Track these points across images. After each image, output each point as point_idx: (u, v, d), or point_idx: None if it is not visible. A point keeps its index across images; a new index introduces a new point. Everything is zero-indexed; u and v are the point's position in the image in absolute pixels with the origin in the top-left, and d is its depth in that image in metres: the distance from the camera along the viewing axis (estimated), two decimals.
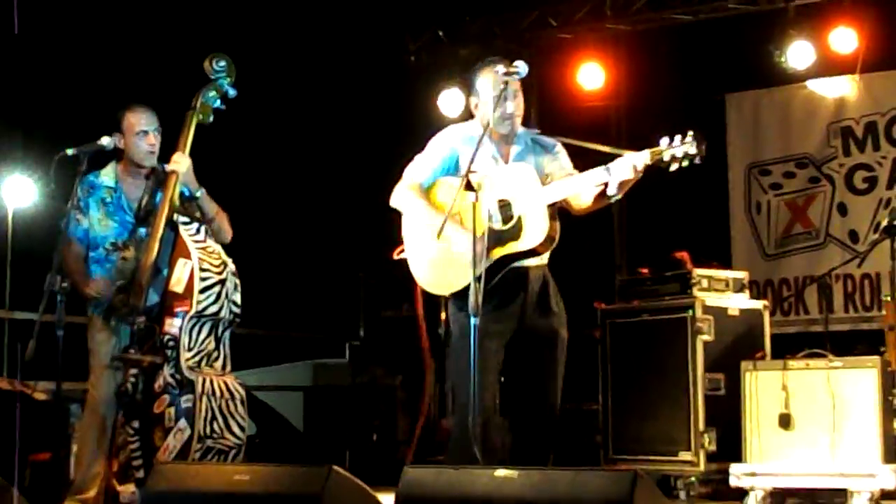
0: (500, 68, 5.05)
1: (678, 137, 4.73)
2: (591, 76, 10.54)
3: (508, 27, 10.65)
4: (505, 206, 5.09)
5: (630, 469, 3.53)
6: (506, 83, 5.03)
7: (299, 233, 10.80)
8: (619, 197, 4.92)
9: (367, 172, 10.43)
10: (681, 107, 10.20)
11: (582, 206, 5.11)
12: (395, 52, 10.96)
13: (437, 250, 5.11)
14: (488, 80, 5.22)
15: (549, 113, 10.16)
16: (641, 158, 4.72)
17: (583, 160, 5.28)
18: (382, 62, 10.91)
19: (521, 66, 5.04)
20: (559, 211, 5.11)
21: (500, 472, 3.69)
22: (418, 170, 5.36)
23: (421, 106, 10.62)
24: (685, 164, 4.70)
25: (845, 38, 9.77)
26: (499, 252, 5.04)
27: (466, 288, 4.87)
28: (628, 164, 4.75)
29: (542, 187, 5.03)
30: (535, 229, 4.99)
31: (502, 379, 5.23)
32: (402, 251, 5.30)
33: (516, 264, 5.09)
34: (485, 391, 5.02)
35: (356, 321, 10.35)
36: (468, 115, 5.53)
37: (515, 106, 5.21)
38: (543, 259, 5.20)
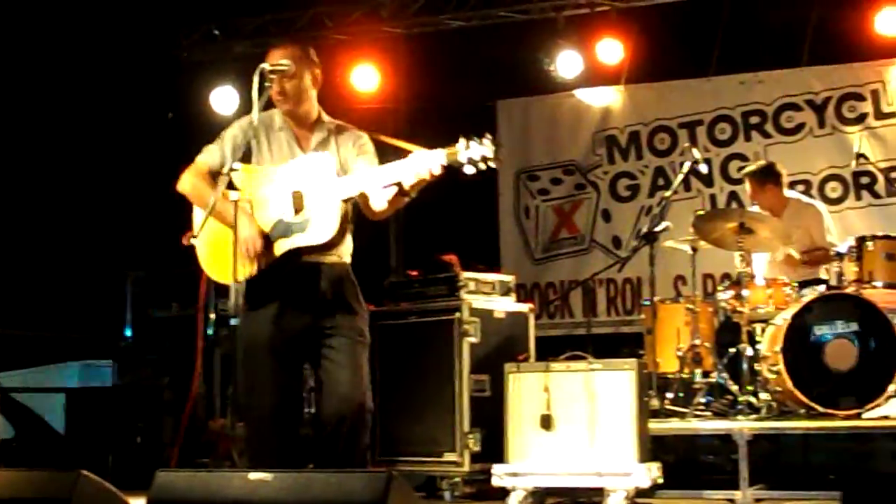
0: (267, 66, 4.96)
1: (476, 139, 4.69)
2: (364, 78, 10.56)
3: (283, 26, 10.57)
4: (297, 197, 4.91)
5: (385, 470, 3.51)
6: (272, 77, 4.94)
7: (66, 232, 10.46)
8: (414, 196, 4.84)
9: (138, 169, 10.21)
10: (454, 111, 10.30)
11: (378, 209, 4.90)
12: (168, 47, 10.74)
13: (223, 238, 5.01)
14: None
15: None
16: (437, 158, 4.66)
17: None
18: (155, 58, 10.67)
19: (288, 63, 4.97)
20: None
21: (255, 475, 3.63)
22: (208, 155, 5.20)
23: (195, 102, 10.44)
24: (482, 167, 4.65)
25: (612, 50, 10.08)
26: (285, 244, 4.89)
27: (251, 278, 4.80)
28: (424, 162, 4.66)
29: (337, 179, 4.89)
30: (324, 223, 4.85)
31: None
32: (192, 237, 5.05)
33: (310, 259, 4.95)
34: (258, 392, 4.93)
35: (123, 321, 10.09)
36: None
37: (282, 92, 5.05)
38: (342, 256, 5.05)
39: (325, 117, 5.21)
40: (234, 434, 6.14)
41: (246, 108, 4.97)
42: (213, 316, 8.57)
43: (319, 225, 4.86)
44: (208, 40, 10.82)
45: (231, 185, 4.78)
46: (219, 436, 8.08)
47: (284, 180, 4.95)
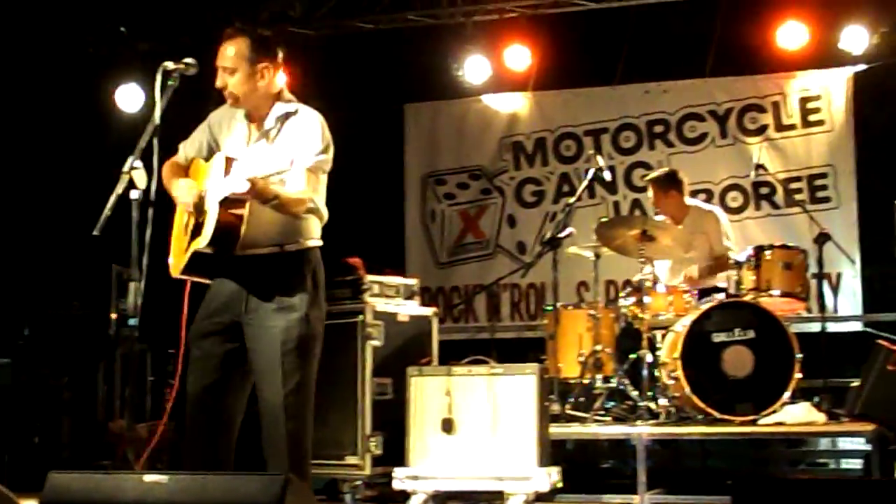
0: (170, 64, 4.90)
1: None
2: None
3: (190, 24, 10.45)
4: (201, 198, 4.87)
5: (281, 474, 3.50)
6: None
7: None
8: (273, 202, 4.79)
9: (43, 165, 10.04)
10: (362, 115, 10.29)
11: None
12: (74, 45, 10.59)
13: (175, 231, 4.96)
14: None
15: None
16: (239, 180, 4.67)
17: None
18: (62, 55, 10.50)
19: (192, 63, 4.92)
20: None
21: (150, 477, 3.59)
22: (184, 145, 5.14)
23: (102, 99, 10.32)
24: None
25: (520, 56, 10.15)
26: (193, 246, 4.84)
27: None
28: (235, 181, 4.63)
29: (222, 179, 4.76)
30: (208, 226, 4.77)
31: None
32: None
33: (244, 252, 4.84)
34: (189, 393, 4.91)
35: (21, 319, 9.92)
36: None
37: (225, 88, 4.98)
38: (285, 245, 4.92)
39: (284, 106, 5.06)
40: (131, 435, 6.05)
41: (152, 107, 4.90)
42: (114, 316, 8.48)
43: (207, 228, 4.80)
44: (115, 38, 10.67)
45: (132, 185, 4.70)
46: (119, 437, 7.98)
47: (207, 179, 4.92)
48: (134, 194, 4.66)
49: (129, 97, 10.24)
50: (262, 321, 4.88)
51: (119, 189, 4.63)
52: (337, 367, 7.21)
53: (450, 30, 10.29)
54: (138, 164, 4.72)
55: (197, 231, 4.86)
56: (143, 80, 10.05)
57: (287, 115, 5.01)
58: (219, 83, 4.97)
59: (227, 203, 4.76)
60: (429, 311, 7.63)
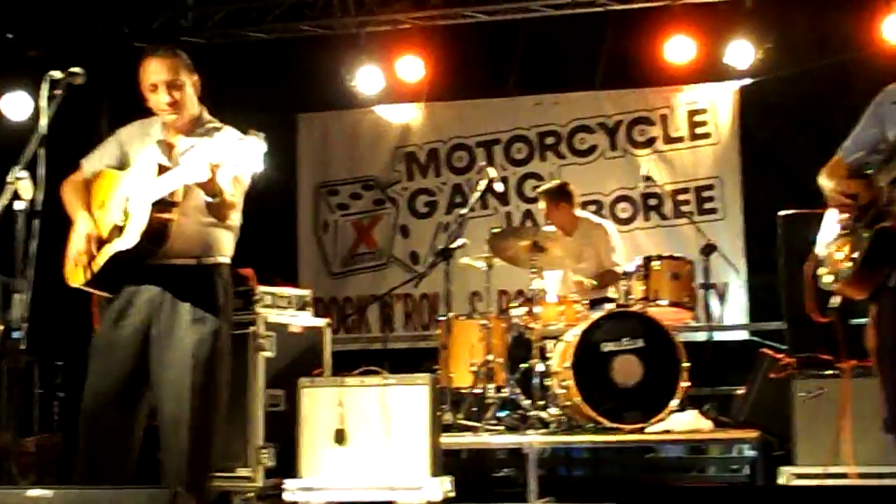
0: (57, 73, 4.84)
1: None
2: None
3: (80, 32, 10.31)
4: (124, 202, 4.80)
5: (168, 487, 3.47)
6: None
7: None
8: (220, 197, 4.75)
9: None
10: (255, 124, 10.20)
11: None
12: None
13: (77, 242, 4.89)
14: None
15: (121, 122, 9.91)
16: (200, 164, 4.59)
17: None
18: None
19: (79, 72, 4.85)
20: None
21: (34, 492, 3.53)
22: (87, 159, 5.06)
23: None
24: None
25: (412, 67, 10.18)
26: (109, 250, 4.78)
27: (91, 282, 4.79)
28: (189, 170, 4.60)
29: (154, 181, 4.70)
30: (135, 227, 4.71)
31: None
32: None
33: (155, 262, 4.80)
34: (86, 405, 4.81)
35: None
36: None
37: (173, 103, 4.93)
38: (202, 258, 4.89)
39: (206, 121, 5.05)
40: (16, 449, 5.94)
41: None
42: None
43: (132, 229, 4.75)
44: (2, 44, 10.46)
45: (17, 195, 4.63)
46: (3, 451, 7.81)
47: (125, 185, 4.85)
48: (19, 205, 4.58)
49: (16, 105, 10.05)
50: (173, 333, 4.82)
51: (3, 199, 4.56)
52: (229, 379, 7.16)
53: (343, 40, 10.28)
54: (23, 174, 4.65)
55: (114, 235, 4.80)
56: (31, 88, 9.87)
57: (213, 130, 4.98)
58: (168, 99, 4.89)
59: (160, 205, 4.71)
60: (321, 321, 7.61)
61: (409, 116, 10.95)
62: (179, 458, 4.74)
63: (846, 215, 4.48)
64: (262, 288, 7.32)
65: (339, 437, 6.51)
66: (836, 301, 4.62)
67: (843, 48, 10.25)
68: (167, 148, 4.94)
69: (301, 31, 10.32)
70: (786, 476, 6.23)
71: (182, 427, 4.75)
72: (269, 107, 10.67)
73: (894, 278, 4.27)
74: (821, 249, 4.64)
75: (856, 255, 4.31)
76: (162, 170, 4.76)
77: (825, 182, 4.67)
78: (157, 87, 4.90)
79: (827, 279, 4.54)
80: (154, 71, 4.91)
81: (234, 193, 4.81)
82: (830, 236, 4.59)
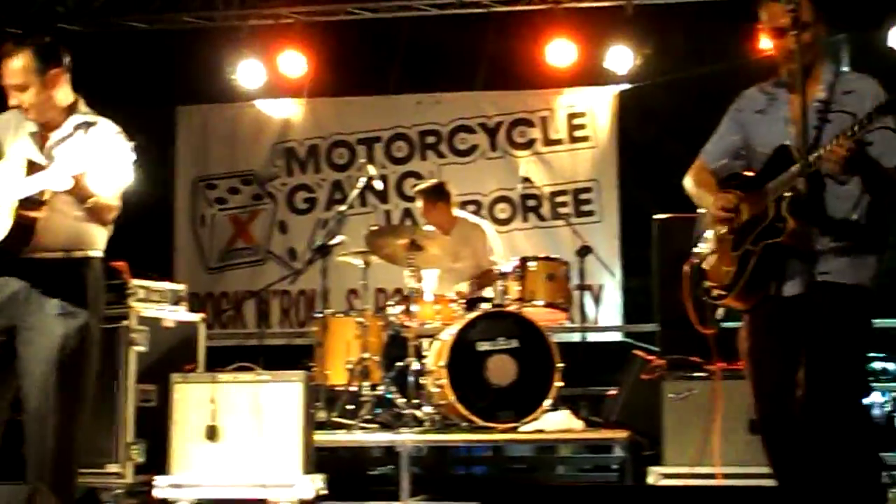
0: None
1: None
2: None
3: None
4: None
5: (27, 483, 3.39)
6: None
7: None
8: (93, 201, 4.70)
9: None
10: (133, 116, 10.04)
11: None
12: None
13: None
14: None
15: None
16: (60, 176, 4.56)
17: None
18: None
19: None
20: None
21: None
22: None
23: None
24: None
25: (294, 62, 10.13)
26: None
27: None
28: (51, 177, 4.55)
29: (22, 179, 4.64)
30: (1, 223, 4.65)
31: None
32: None
33: (32, 257, 4.72)
34: None
35: None
36: None
37: (21, 105, 4.83)
38: (71, 251, 4.81)
39: (81, 116, 4.94)
40: None
41: None
42: None
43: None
44: None
45: None
46: None
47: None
48: None
49: None
50: (40, 326, 4.75)
51: None
52: (101, 374, 7.04)
53: (225, 33, 10.20)
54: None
55: None
56: None
57: (87, 125, 4.90)
58: (12, 101, 4.81)
59: (27, 203, 4.64)
60: (196, 316, 7.53)
61: (289, 112, 10.89)
62: (43, 454, 4.67)
63: (725, 227, 4.55)
64: (135, 282, 7.22)
65: (211, 433, 6.45)
66: (720, 313, 4.70)
67: (719, 57, 10.45)
68: (40, 140, 4.89)
69: (183, 22, 10.19)
70: (654, 476, 6.32)
71: (46, 422, 4.68)
72: (148, 98, 10.53)
73: (774, 287, 4.37)
74: (701, 255, 4.72)
75: (745, 269, 4.38)
76: (32, 166, 4.70)
77: (694, 189, 4.75)
78: (7, 89, 4.84)
79: (714, 292, 4.60)
80: (3, 73, 4.84)
81: (110, 194, 4.74)
82: (710, 245, 4.67)
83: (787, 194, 4.24)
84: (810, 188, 4.18)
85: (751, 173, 4.53)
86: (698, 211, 4.81)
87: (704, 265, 4.70)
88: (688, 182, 4.77)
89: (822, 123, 4.31)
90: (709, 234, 4.70)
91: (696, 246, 4.80)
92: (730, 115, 4.70)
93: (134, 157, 4.72)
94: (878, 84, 4.41)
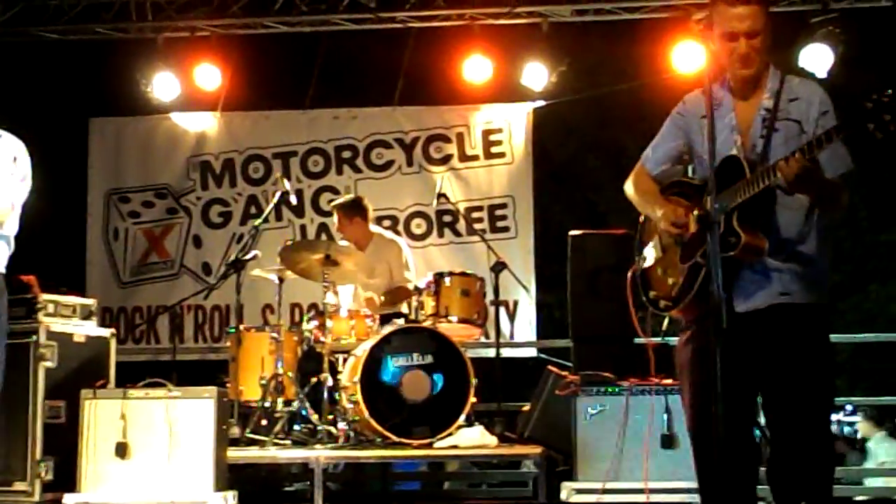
0: None
1: None
2: None
3: None
4: None
5: None
6: None
7: None
8: None
9: None
10: (46, 127, 9.94)
11: None
12: None
13: None
14: None
15: None
16: None
17: None
18: None
19: None
20: None
21: None
22: None
23: None
24: None
25: (210, 75, 10.05)
26: None
27: None
28: None
29: None
30: None
31: None
32: None
33: None
34: None
35: None
36: None
37: None
38: None
39: None
40: None
41: None
42: None
43: None
44: None
45: None
46: None
47: None
48: None
49: None
50: None
51: None
52: (7, 390, 6.92)
53: (139, 45, 10.09)
54: None
55: None
56: None
57: None
58: None
59: None
60: (106, 331, 7.44)
61: (205, 125, 10.82)
62: None
63: (670, 238, 4.48)
64: (45, 296, 7.12)
65: (121, 450, 6.39)
66: (664, 323, 4.68)
67: (634, 74, 10.58)
68: None
69: (96, 33, 10.07)
70: (567, 491, 6.36)
71: None
72: (60, 109, 10.42)
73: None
74: (648, 263, 4.64)
75: (693, 282, 4.28)
76: None
77: (636, 196, 4.66)
78: None
79: (661, 303, 4.54)
80: None
81: (6, 203, 4.68)
82: (655, 254, 4.60)
83: (737, 206, 4.17)
84: (763, 202, 4.17)
85: (697, 181, 4.45)
86: (640, 219, 4.74)
87: (650, 274, 4.63)
88: (629, 188, 4.69)
89: (769, 133, 4.28)
90: (654, 242, 4.62)
91: (638, 252, 4.72)
92: (672, 120, 4.61)
93: (29, 172, 4.68)
94: (822, 89, 4.37)
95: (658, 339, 5.10)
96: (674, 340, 4.62)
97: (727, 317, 4.03)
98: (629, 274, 4.78)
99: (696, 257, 4.29)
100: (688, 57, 9.22)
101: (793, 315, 4.24)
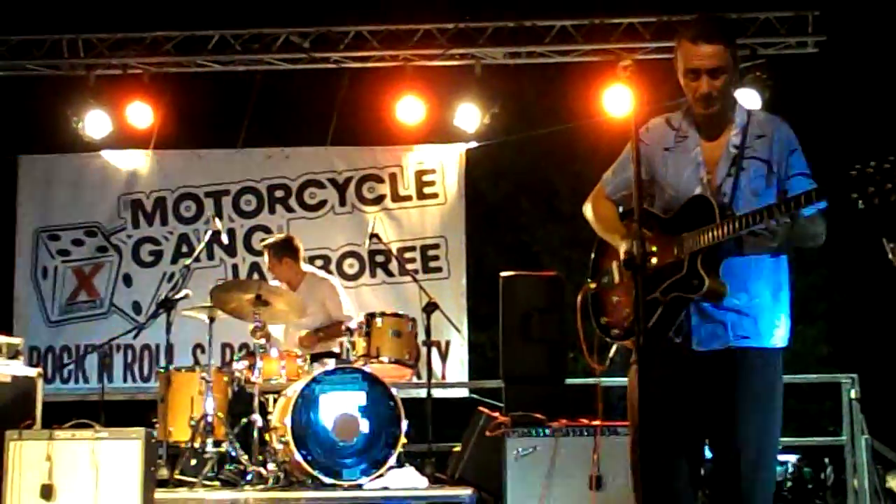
0: None
1: None
2: None
3: None
4: None
5: None
6: None
7: None
8: None
9: None
10: None
11: None
12: None
13: None
14: None
15: None
16: None
17: None
18: None
19: None
20: None
21: None
22: None
23: None
24: None
25: (142, 113, 10.02)
26: None
27: None
28: None
29: None
30: None
31: None
32: None
33: None
34: None
35: None
36: None
37: None
38: None
39: None
40: None
41: None
42: None
43: None
44: None
45: None
46: None
47: None
48: None
49: None
50: None
51: None
52: None
53: (70, 82, 10.05)
54: None
55: None
56: None
57: None
58: None
59: None
60: (33, 371, 7.37)
61: (136, 163, 10.76)
62: None
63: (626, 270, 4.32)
64: None
65: (47, 492, 6.32)
66: (613, 351, 4.65)
67: (566, 117, 10.69)
68: None
69: (27, 69, 10.01)
70: None
71: None
72: None
73: (681, 340, 4.28)
74: (603, 287, 4.58)
75: (650, 317, 4.15)
76: None
77: (595, 221, 4.64)
78: None
79: (613, 331, 4.50)
80: None
81: None
82: (611, 281, 4.54)
83: (702, 249, 4.18)
84: (727, 247, 4.19)
85: (661, 214, 4.40)
86: (597, 239, 4.67)
87: (604, 298, 4.57)
88: (587, 210, 4.67)
89: (737, 171, 4.28)
90: (613, 267, 4.54)
91: (593, 274, 4.66)
92: (631, 146, 4.37)
93: None
94: (786, 125, 4.37)
95: (604, 365, 5.09)
96: (607, 381, 4.63)
97: (681, 355, 4.13)
98: (579, 296, 4.71)
99: (657, 293, 4.25)
100: (618, 100, 9.36)
101: (748, 359, 4.25)
